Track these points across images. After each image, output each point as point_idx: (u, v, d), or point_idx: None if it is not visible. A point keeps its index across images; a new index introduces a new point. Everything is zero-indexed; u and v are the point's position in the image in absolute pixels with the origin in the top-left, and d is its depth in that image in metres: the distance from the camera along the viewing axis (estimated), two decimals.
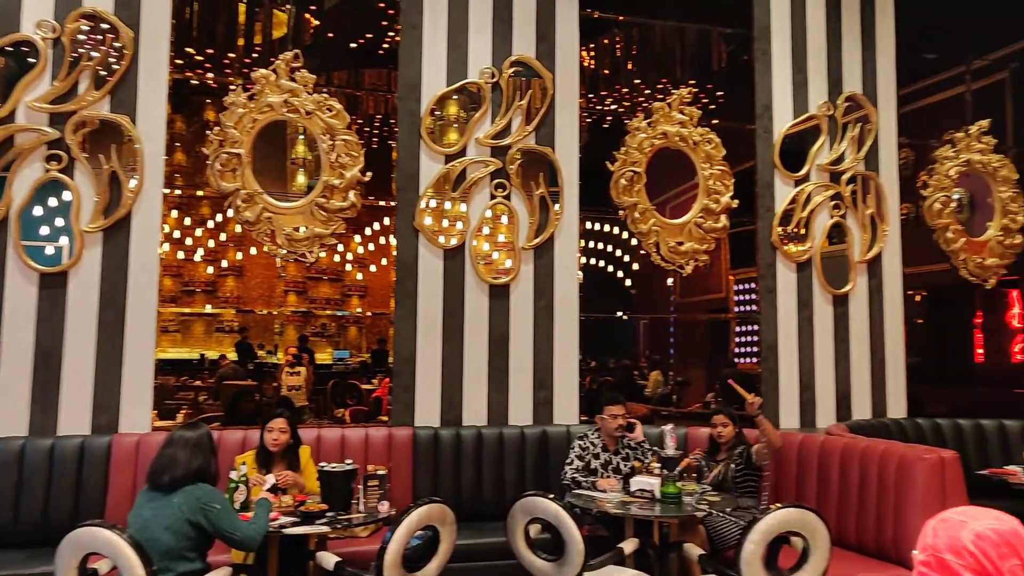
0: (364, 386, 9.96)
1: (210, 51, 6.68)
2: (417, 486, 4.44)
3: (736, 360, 8.82)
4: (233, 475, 3.32)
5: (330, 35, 8.13)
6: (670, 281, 10.07)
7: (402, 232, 4.88)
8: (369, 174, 4.78)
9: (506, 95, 5.05)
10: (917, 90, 7.34)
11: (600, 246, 12.38)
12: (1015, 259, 6.15)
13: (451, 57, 5.03)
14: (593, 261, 12.34)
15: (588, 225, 12.09)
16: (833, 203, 5.62)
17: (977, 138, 6.13)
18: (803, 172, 5.58)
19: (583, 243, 12.20)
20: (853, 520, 3.89)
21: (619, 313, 11.24)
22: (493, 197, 5.00)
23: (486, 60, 5.08)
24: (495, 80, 5.04)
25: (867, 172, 5.73)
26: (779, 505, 2.97)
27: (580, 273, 5.17)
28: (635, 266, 12.02)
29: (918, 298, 8.61)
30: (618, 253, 12.38)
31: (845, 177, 5.66)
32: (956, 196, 6.14)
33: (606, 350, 12.22)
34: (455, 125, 5.05)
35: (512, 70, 5.08)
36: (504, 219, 5.01)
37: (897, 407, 5.67)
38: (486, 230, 4.98)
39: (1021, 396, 6.40)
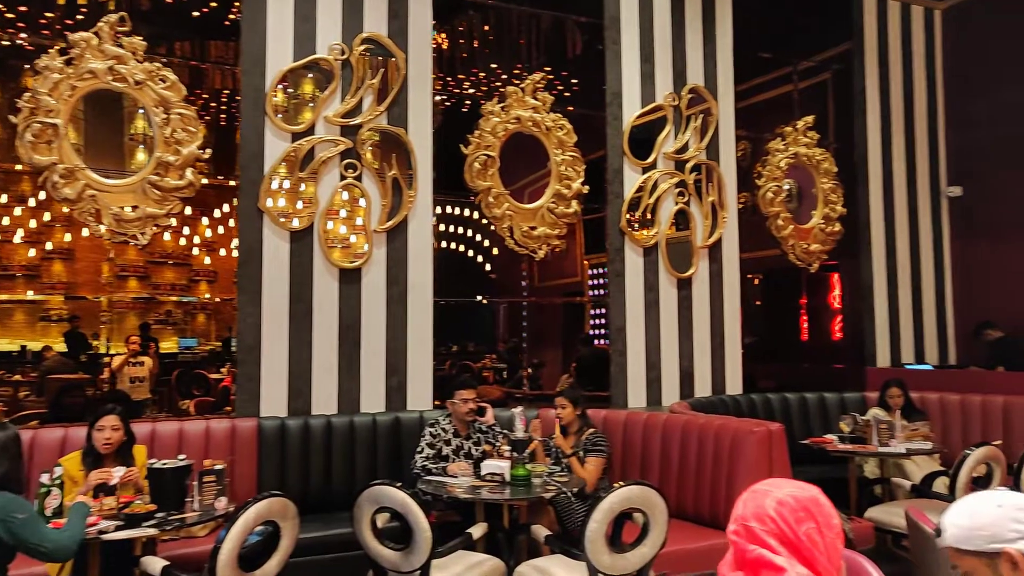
0: (212, 375, 9.43)
1: (24, 8, 5.97)
2: (263, 480, 4.23)
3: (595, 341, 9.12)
4: (44, 479, 3.00)
5: (169, 0, 7.53)
6: (528, 265, 10.23)
7: (245, 214, 4.61)
8: (209, 151, 4.47)
9: (357, 73, 4.87)
10: (753, 86, 7.82)
11: (460, 230, 12.39)
12: (835, 245, 6.72)
13: (299, 30, 4.78)
14: (453, 245, 12.33)
15: (448, 209, 12.07)
16: (678, 190, 5.88)
17: (803, 133, 6.62)
18: (650, 160, 5.80)
19: (442, 227, 12.19)
20: (691, 492, 4.11)
21: (478, 297, 11.31)
22: (343, 178, 4.82)
23: (336, 36, 4.87)
24: (345, 57, 4.84)
25: (709, 161, 6.03)
26: (621, 483, 3.07)
27: (433, 257, 5.11)
28: (495, 251, 12.13)
29: (756, 281, 9.24)
30: (478, 238, 12.44)
31: (689, 166, 5.94)
32: (786, 186, 6.61)
33: (466, 334, 12.27)
34: (304, 102, 4.81)
35: (363, 47, 4.89)
36: (359, 201, 4.85)
37: (734, 384, 6.05)
38: (341, 213, 4.81)
39: (840, 371, 7.03)
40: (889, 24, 7.12)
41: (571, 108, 5.77)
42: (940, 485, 4.51)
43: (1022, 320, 6.51)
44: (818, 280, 7.37)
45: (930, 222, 7.19)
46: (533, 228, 5.36)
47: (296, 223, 4.66)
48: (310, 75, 4.82)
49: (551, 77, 5.89)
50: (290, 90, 4.78)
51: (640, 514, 3.09)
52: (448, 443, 4.16)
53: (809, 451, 5.09)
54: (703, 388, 5.91)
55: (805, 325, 7.84)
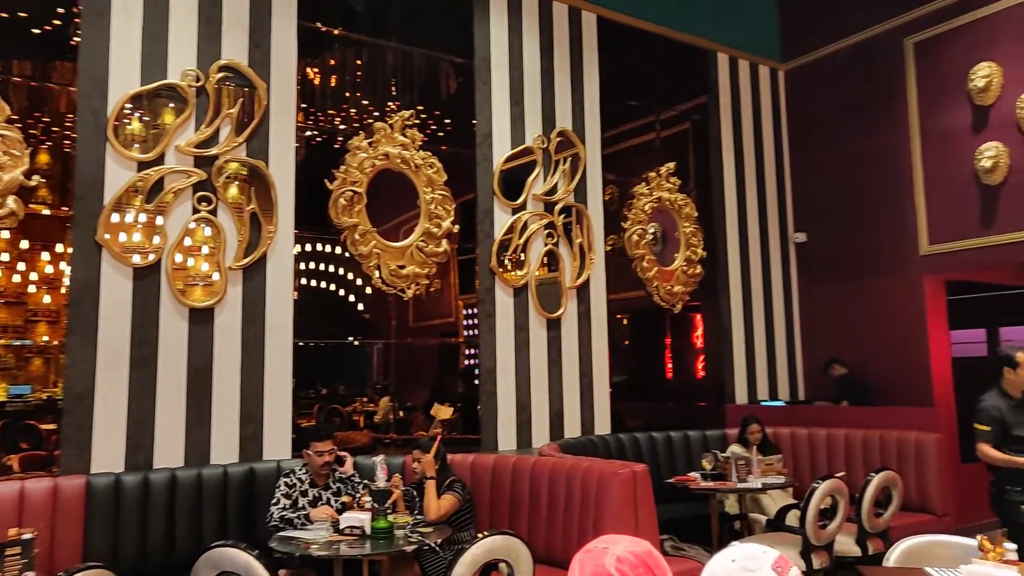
0: (45, 426, 8.51)
1: None
2: (89, 547, 3.76)
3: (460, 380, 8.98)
4: None
5: (3, 15, 6.91)
6: (400, 305, 10.02)
7: (81, 247, 4.19)
8: (36, 178, 4.05)
9: (213, 101, 4.61)
10: (620, 132, 8.11)
11: (331, 268, 11.99)
12: (697, 287, 7.00)
13: (147, 52, 4.47)
14: (323, 284, 11.91)
15: (319, 247, 11.67)
16: (547, 231, 5.94)
17: (666, 178, 6.90)
18: (520, 201, 5.83)
19: (311, 265, 11.76)
20: (560, 537, 4.04)
21: (350, 338, 10.94)
22: (196, 211, 4.51)
23: (191, 61, 4.60)
24: (200, 84, 4.58)
25: (577, 204, 6.15)
26: (485, 533, 2.95)
27: (299, 296, 4.86)
28: (368, 290, 11.82)
29: (625, 321, 9.49)
30: (350, 276, 12.09)
31: (558, 208, 6.02)
32: (651, 230, 6.84)
33: (337, 376, 11.82)
34: (153, 130, 4.48)
35: (221, 75, 4.65)
36: (209, 236, 4.54)
37: (603, 423, 6.10)
38: (198, 249, 4.47)
39: (702, 408, 7.28)
40: (740, 81, 7.62)
41: (444, 148, 5.72)
42: (792, 518, 4.69)
43: (861, 358, 7.00)
44: (682, 320, 7.65)
45: (780, 265, 7.66)
46: (402, 267, 5.23)
47: (138, 259, 4.29)
48: (160, 101, 4.51)
49: (424, 116, 5.84)
50: (138, 116, 4.44)
51: (505, 564, 2.98)
52: (304, 494, 3.90)
53: (674, 489, 5.18)
54: (573, 428, 5.92)
55: (670, 364, 8.09)
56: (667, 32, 7.07)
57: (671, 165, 6.97)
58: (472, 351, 10.30)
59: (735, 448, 5.56)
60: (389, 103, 6.57)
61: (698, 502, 5.45)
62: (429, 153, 5.43)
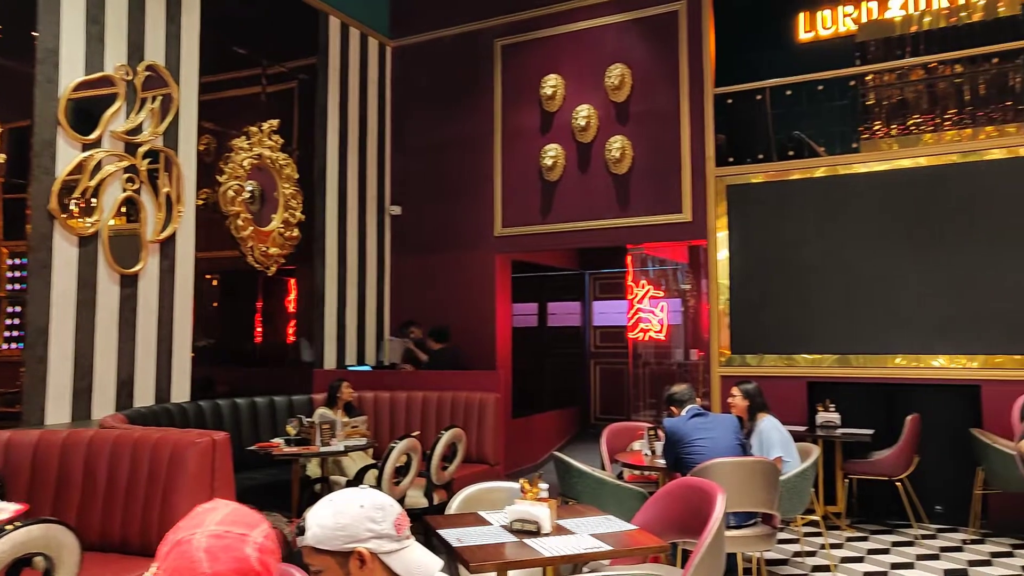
0: None
1: None
2: None
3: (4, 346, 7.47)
4: None
5: None
6: None
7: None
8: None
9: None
10: (223, 80, 7.52)
11: None
12: (293, 250, 6.89)
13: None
14: None
15: None
16: (127, 176, 5.23)
17: (268, 135, 6.62)
18: (94, 136, 5.02)
19: None
20: (119, 519, 3.62)
21: None
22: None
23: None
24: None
25: (166, 149, 5.53)
26: (16, 524, 2.49)
27: None
28: None
29: (215, 282, 8.88)
30: None
31: (142, 151, 5.34)
32: (249, 187, 6.50)
33: None
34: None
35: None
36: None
37: (182, 391, 5.65)
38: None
39: (291, 373, 7.21)
40: (350, 49, 7.67)
41: None
42: (371, 477, 4.94)
43: (443, 325, 7.61)
44: (276, 283, 7.45)
45: (376, 235, 7.95)
46: None
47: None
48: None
49: None
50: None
51: (41, 558, 2.55)
52: None
53: (256, 456, 5.05)
54: (146, 397, 5.36)
55: (261, 328, 7.84)
56: None
57: (274, 122, 6.70)
58: (18, 308, 8.63)
59: (323, 411, 5.63)
60: None
61: (282, 468, 5.40)
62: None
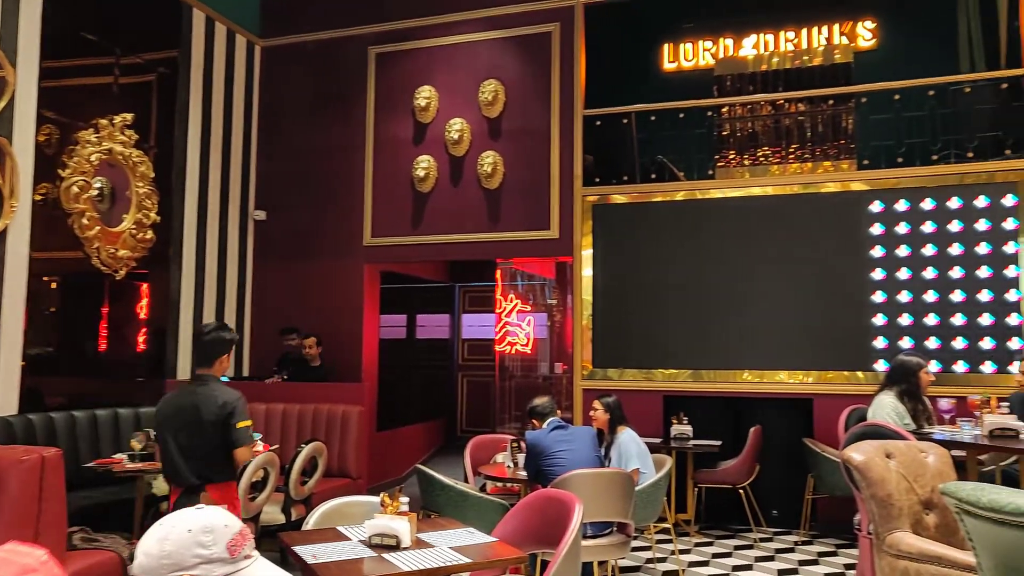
0: None
1: None
2: None
3: None
4: None
5: None
6: None
7: None
8: None
9: None
10: (70, 67, 6.96)
11: None
12: (147, 253, 6.46)
13: None
14: None
15: None
16: None
17: (121, 130, 6.19)
18: None
19: None
20: None
21: None
22: None
23: None
24: None
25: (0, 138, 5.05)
26: None
27: None
28: None
29: (54, 285, 8.16)
30: None
31: None
32: (97, 184, 6.04)
33: None
34: None
35: None
36: None
37: (9, 403, 5.14)
38: None
39: (141, 384, 6.74)
40: (216, 45, 7.33)
41: None
42: None
43: (307, 330, 7.35)
44: (126, 288, 6.95)
45: (238, 240, 7.61)
46: None
47: None
48: None
49: None
50: None
51: None
52: None
53: (95, 474, 4.67)
54: None
55: (106, 335, 7.28)
56: None
57: (128, 116, 6.27)
58: None
59: None
60: None
61: (124, 485, 5.03)
62: None
